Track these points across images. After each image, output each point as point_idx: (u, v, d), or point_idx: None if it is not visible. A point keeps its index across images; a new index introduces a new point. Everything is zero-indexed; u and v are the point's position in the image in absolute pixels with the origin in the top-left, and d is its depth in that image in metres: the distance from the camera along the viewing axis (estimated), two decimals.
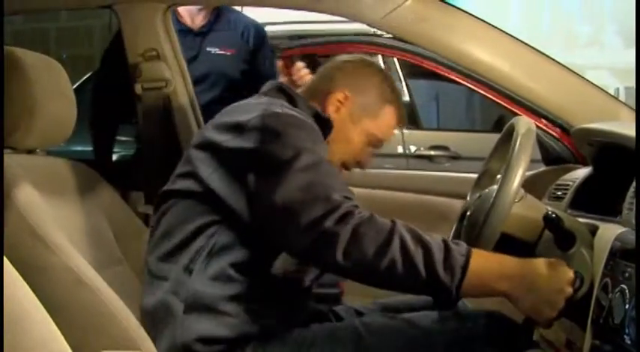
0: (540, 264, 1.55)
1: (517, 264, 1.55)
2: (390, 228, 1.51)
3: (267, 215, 1.57)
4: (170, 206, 1.70)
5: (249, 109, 1.68)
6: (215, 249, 1.62)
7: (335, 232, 1.49)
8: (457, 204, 2.17)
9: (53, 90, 1.73)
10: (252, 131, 1.61)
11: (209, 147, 1.66)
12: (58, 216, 1.63)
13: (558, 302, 1.53)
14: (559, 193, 2.10)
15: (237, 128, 1.64)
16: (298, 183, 1.54)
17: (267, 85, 1.87)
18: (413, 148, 4.51)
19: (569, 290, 1.53)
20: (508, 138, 1.77)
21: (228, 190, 1.61)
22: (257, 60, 3.20)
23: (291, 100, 1.80)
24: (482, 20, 2.14)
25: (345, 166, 1.89)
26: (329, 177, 1.59)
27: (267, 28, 5.10)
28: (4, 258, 0.96)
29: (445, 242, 1.52)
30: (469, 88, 2.34)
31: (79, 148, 3.25)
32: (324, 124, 1.79)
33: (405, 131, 4.36)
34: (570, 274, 1.54)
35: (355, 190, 1.98)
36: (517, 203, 1.61)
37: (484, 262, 1.53)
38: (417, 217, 2.40)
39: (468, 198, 1.91)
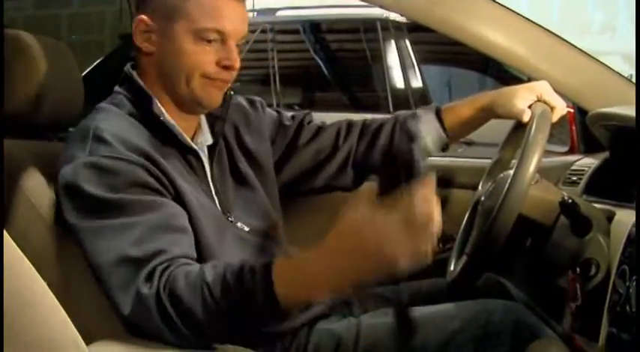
0: (346, 224, 1.19)
1: (320, 251, 1.23)
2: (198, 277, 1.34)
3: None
4: None
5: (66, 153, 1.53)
6: None
7: (145, 296, 1.34)
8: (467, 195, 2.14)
9: (59, 72, 1.70)
10: (62, 191, 1.49)
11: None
12: None
13: (400, 242, 1.15)
14: (574, 178, 2.08)
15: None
16: (106, 239, 1.42)
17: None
18: None
19: (410, 221, 1.15)
20: (521, 125, 1.76)
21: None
22: None
23: (134, 93, 1.60)
24: (497, 3, 2.11)
25: (210, 76, 1.58)
26: (125, 234, 1.41)
27: (281, 13, 5.12)
28: (15, 246, 0.96)
29: (240, 268, 1.32)
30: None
31: None
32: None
33: None
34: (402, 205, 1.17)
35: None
36: (533, 185, 1.57)
37: (285, 272, 1.29)
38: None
39: (480, 188, 1.88)
